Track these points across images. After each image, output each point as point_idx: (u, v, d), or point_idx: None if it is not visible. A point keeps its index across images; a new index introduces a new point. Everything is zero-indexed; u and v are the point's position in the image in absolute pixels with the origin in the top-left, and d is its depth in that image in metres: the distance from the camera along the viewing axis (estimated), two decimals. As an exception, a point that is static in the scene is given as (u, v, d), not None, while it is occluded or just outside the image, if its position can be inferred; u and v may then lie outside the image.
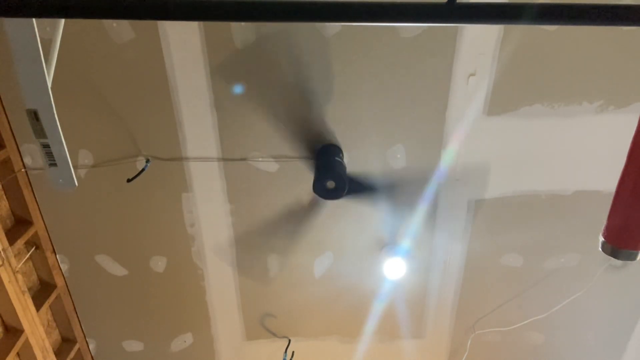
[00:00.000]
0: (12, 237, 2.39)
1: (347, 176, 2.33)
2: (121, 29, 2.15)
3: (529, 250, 2.79)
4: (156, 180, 2.52)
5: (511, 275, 2.87)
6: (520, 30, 2.18)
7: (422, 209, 2.64)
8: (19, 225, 2.51)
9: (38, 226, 2.57)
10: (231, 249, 2.76)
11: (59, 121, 1.53)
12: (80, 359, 3.02)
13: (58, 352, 2.87)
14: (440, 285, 2.93)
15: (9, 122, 2.34)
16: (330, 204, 2.60)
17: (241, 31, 2.17)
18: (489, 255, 2.82)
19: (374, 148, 2.46)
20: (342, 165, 2.37)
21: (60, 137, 1.56)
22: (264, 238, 2.73)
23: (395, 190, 2.57)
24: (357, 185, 2.49)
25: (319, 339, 3.15)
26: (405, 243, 2.75)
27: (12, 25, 1.37)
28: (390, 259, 2.72)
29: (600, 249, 1.13)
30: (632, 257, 1.10)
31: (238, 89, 2.31)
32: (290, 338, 3.12)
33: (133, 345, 3.10)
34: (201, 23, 2.15)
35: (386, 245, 2.76)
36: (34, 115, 1.50)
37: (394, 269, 2.72)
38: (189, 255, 2.76)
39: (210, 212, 2.63)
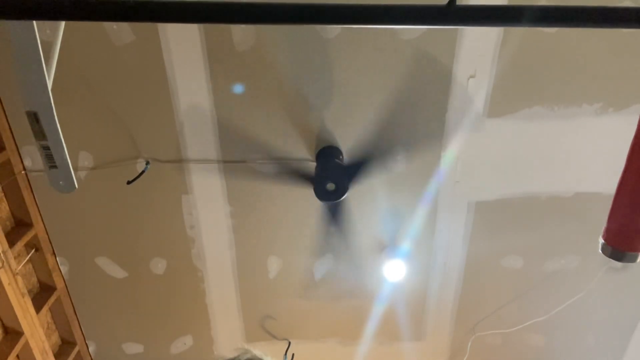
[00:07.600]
0: (12, 239, 2.39)
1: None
2: (121, 31, 2.15)
3: (529, 252, 2.79)
4: (156, 182, 2.51)
5: (511, 277, 2.87)
6: (520, 32, 2.18)
7: (422, 210, 2.64)
8: (18, 227, 2.51)
9: (38, 228, 2.56)
10: (231, 251, 2.76)
11: (59, 123, 1.53)
12: (79, 361, 3.02)
13: (58, 355, 2.87)
14: (441, 287, 2.92)
15: (9, 124, 2.34)
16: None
17: (241, 33, 2.17)
18: (489, 257, 2.81)
19: (373, 150, 2.45)
20: (342, 167, 2.37)
21: (61, 139, 1.56)
22: (263, 240, 2.73)
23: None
24: (336, 211, 2.50)
25: (319, 341, 3.14)
26: (405, 245, 2.75)
27: (13, 27, 1.37)
28: (390, 261, 2.72)
29: (600, 251, 1.12)
30: (633, 259, 1.09)
31: (238, 89, 2.31)
32: (291, 340, 3.12)
33: (133, 348, 3.09)
34: (201, 25, 2.15)
35: (386, 247, 2.75)
36: (34, 117, 1.50)
37: (394, 271, 2.72)
38: (188, 257, 2.76)
39: (210, 214, 2.63)
